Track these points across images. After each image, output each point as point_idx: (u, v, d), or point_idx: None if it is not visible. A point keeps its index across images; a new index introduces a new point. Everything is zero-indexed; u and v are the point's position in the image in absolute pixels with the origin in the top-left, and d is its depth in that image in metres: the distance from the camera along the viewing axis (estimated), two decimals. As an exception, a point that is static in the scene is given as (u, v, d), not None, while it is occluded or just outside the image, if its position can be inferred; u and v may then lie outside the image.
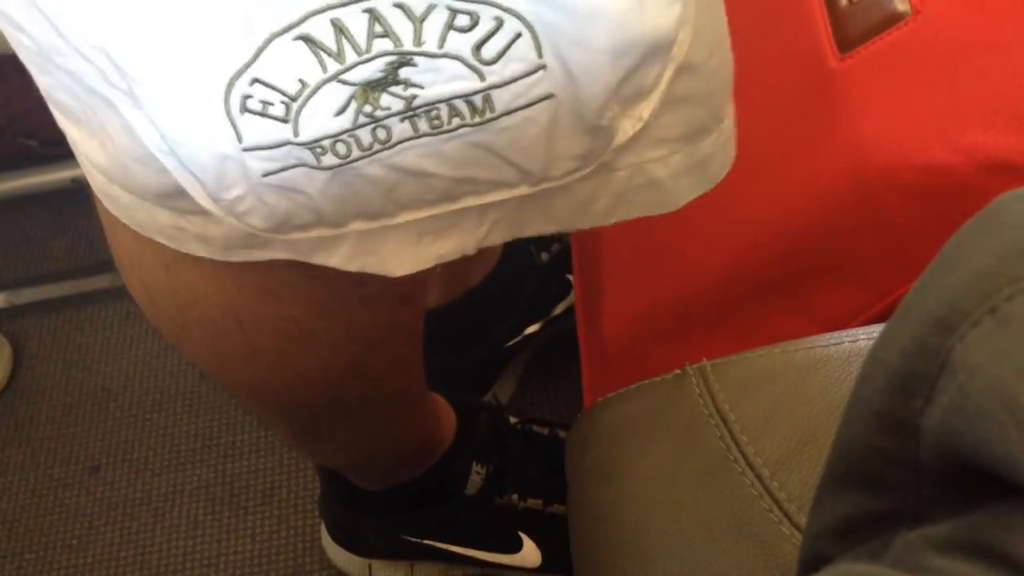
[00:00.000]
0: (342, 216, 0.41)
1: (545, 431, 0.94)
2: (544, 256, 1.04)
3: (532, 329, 1.03)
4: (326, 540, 0.97)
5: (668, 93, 0.39)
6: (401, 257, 0.44)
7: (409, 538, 0.90)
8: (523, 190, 0.42)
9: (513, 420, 0.94)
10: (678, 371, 0.57)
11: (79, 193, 1.28)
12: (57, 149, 1.30)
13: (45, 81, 0.42)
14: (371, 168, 0.39)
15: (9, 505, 1.07)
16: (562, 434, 0.94)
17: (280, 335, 0.56)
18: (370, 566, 0.95)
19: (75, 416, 1.13)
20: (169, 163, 0.39)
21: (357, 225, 0.42)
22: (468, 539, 0.91)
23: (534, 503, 0.90)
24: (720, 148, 0.45)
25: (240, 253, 0.46)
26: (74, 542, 1.04)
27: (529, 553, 0.91)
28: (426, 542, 0.90)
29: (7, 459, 1.10)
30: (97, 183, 0.47)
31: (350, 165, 0.38)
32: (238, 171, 0.38)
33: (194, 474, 1.07)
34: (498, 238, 0.45)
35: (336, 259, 0.44)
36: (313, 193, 0.39)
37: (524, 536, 0.91)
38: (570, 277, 1.06)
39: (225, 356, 0.58)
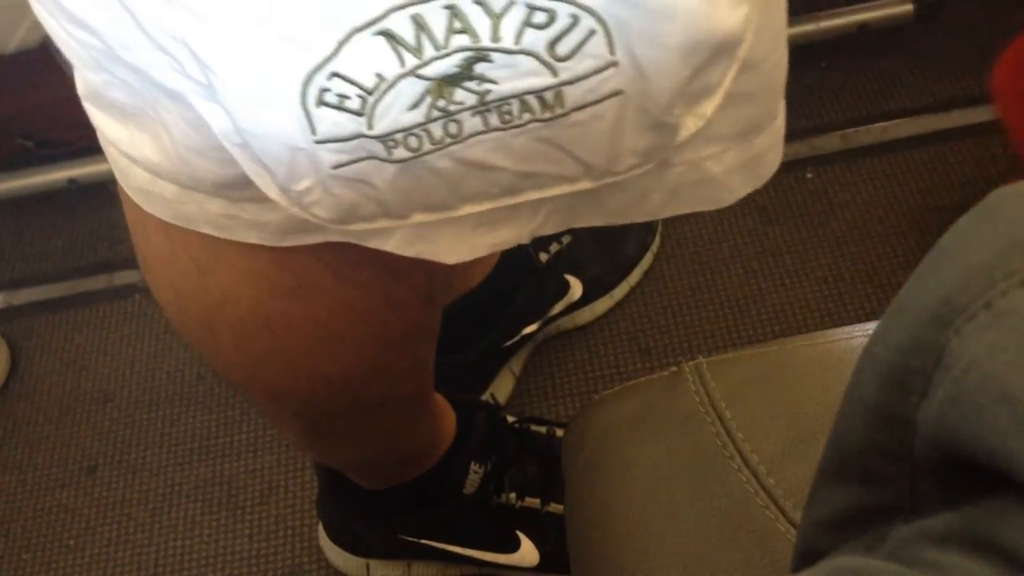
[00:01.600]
0: (406, 208, 0.42)
1: (543, 430, 0.94)
2: (543, 257, 1.04)
3: (530, 329, 1.03)
4: (323, 540, 0.97)
5: (729, 91, 0.40)
6: (456, 246, 0.45)
7: (407, 537, 0.90)
8: (584, 185, 0.42)
9: (511, 419, 0.94)
10: (674, 368, 0.57)
11: (76, 194, 1.28)
12: (54, 150, 1.30)
13: (98, 79, 0.43)
14: (440, 161, 0.39)
15: (6, 505, 1.07)
16: (559, 433, 0.95)
17: (308, 337, 0.56)
18: (368, 565, 0.95)
19: (72, 416, 1.13)
20: (239, 154, 0.40)
21: (419, 217, 0.43)
22: (466, 538, 0.91)
23: (532, 502, 0.90)
24: (771, 146, 0.46)
25: (293, 238, 0.47)
26: (71, 542, 1.04)
27: (527, 552, 0.92)
28: (423, 541, 0.90)
29: (4, 459, 1.10)
30: (137, 180, 0.48)
31: (420, 158, 0.39)
32: (309, 163, 0.39)
33: (191, 474, 1.07)
34: (551, 229, 0.46)
35: (391, 244, 0.45)
36: (380, 185, 0.40)
37: (522, 535, 0.91)
38: (568, 277, 1.06)
39: (251, 357, 0.58)
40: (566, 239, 1.07)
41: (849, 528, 0.31)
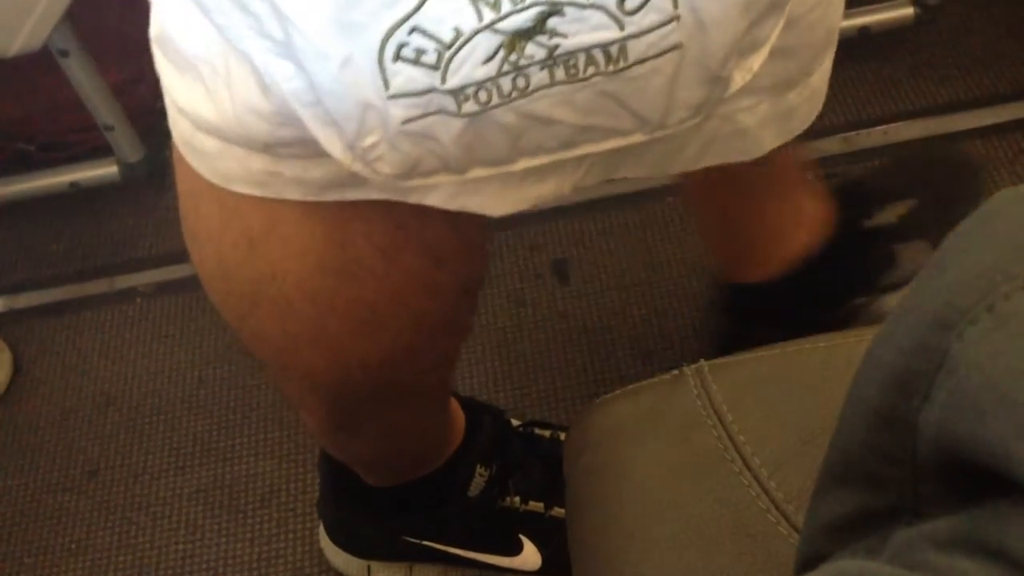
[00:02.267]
0: (468, 162, 0.43)
1: (547, 434, 0.94)
2: (897, 211, 0.96)
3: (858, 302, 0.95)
4: (324, 541, 0.97)
5: (773, 46, 0.42)
6: (502, 198, 0.47)
7: (409, 539, 0.90)
8: (637, 138, 0.43)
9: (515, 423, 0.94)
10: (676, 371, 0.57)
11: (77, 198, 1.28)
12: (55, 154, 1.30)
13: (172, 26, 0.44)
14: (506, 116, 0.41)
15: (8, 509, 1.07)
16: (563, 437, 0.94)
17: (350, 318, 0.57)
18: (369, 567, 0.95)
19: (74, 420, 1.13)
20: (307, 113, 0.41)
21: (477, 171, 0.44)
22: (469, 541, 0.91)
23: (535, 506, 0.90)
24: (805, 101, 0.48)
25: (334, 193, 0.48)
26: (73, 546, 1.04)
27: (529, 556, 0.91)
28: (426, 543, 0.90)
29: (6, 463, 1.10)
30: (183, 132, 0.49)
31: (487, 113, 0.40)
32: (378, 119, 0.40)
33: (193, 478, 1.07)
34: (591, 180, 0.48)
35: (435, 198, 0.46)
36: (445, 140, 0.41)
37: (524, 539, 0.91)
38: (895, 247, 0.96)
39: (291, 336, 0.59)
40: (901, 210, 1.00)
41: (851, 531, 0.31)
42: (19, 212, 1.31)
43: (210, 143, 0.47)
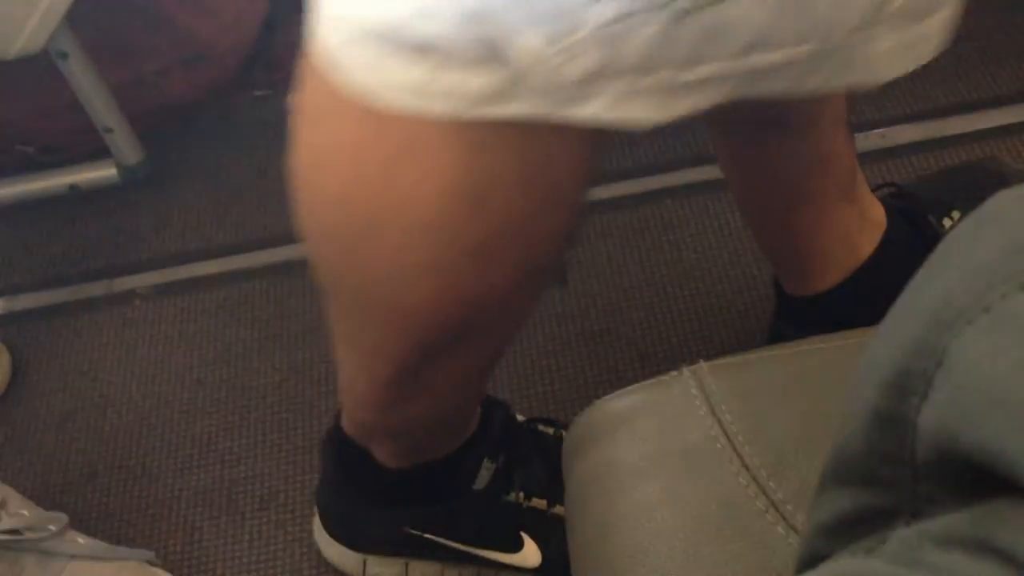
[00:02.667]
0: (657, 64, 0.43)
1: (551, 431, 0.94)
2: (947, 223, 0.99)
3: None
4: (319, 533, 0.96)
5: None
6: (658, 108, 0.46)
7: (412, 531, 0.90)
8: (804, 50, 0.44)
9: (520, 418, 0.94)
10: (674, 372, 0.57)
11: (77, 200, 1.29)
12: (54, 156, 1.30)
13: None
14: (706, 16, 0.41)
15: (6, 511, 1.07)
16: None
17: (467, 252, 0.56)
18: (364, 562, 0.94)
19: (72, 422, 1.13)
20: (505, 15, 0.41)
21: (653, 78, 0.44)
22: (470, 536, 0.91)
23: (538, 503, 0.90)
24: (937, 31, 0.49)
25: (488, 107, 0.47)
26: (71, 548, 1.04)
27: (530, 553, 0.91)
28: (427, 536, 0.90)
29: (4, 465, 1.10)
30: (336, 42, 0.48)
31: (689, 15, 0.40)
32: (577, 20, 0.40)
33: (191, 480, 1.07)
34: (732, 95, 0.48)
35: (596, 106, 0.46)
36: (640, 41, 0.41)
37: (525, 536, 0.91)
38: None
39: (408, 268, 0.57)
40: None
41: (851, 531, 0.31)
42: (18, 214, 1.31)
43: (367, 52, 0.47)
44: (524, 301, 0.66)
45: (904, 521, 0.29)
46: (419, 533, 0.90)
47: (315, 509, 0.97)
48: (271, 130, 1.28)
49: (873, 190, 0.92)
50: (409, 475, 0.85)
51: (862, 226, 0.87)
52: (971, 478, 0.27)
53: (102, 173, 1.28)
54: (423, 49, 0.45)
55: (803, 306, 0.92)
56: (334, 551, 0.95)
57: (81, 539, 0.94)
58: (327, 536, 0.95)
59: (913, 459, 0.29)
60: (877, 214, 0.89)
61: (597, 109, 0.46)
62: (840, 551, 0.31)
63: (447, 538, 0.90)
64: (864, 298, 0.88)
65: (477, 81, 0.46)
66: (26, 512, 0.92)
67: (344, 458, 0.86)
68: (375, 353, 0.68)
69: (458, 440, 0.85)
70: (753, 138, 0.82)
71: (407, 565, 0.94)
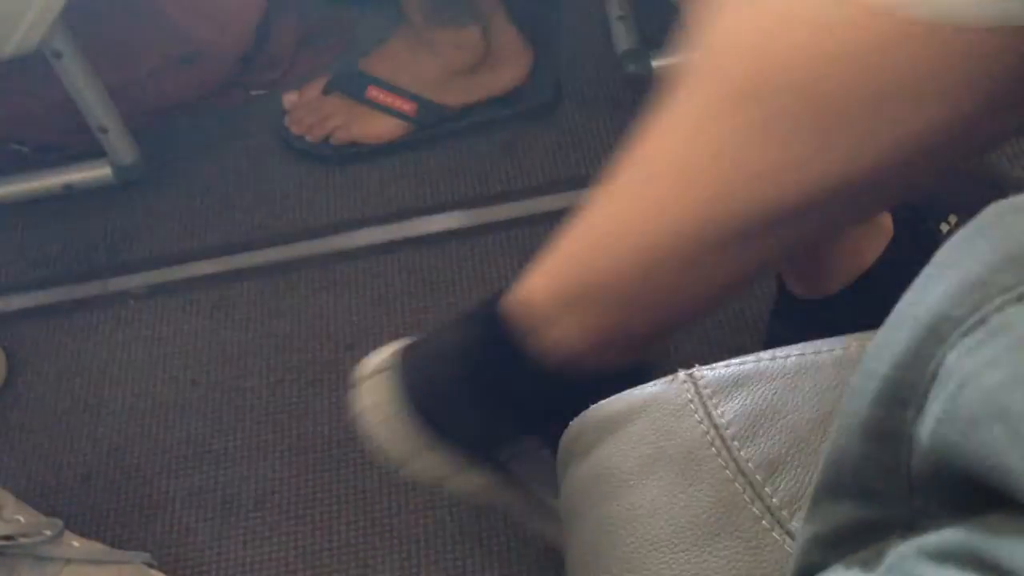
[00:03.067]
0: None
1: None
2: (944, 228, 0.98)
3: None
4: (380, 407, 0.80)
5: None
6: None
7: (510, 439, 0.80)
8: None
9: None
10: (669, 376, 0.57)
11: (71, 200, 1.28)
12: (48, 155, 1.30)
13: None
14: None
15: (0, 512, 1.07)
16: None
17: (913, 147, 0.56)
18: (423, 451, 0.79)
19: (66, 423, 1.13)
20: None
21: None
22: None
23: None
24: None
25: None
26: (65, 549, 1.04)
27: None
28: (513, 462, 0.80)
29: (-2, 466, 1.10)
30: None
31: None
32: None
33: (186, 481, 1.07)
34: None
35: None
36: None
37: None
38: None
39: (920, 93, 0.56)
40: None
41: (846, 543, 0.31)
42: (12, 214, 1.31)
43: None
44: (873, 203, 0.67)
45: (899, 534, 0.29)
46: (511, 448, 0.79)
47: (386, 375, 0.80)
48: (267, 130, 1.28)
49: None
50: (561, 376, 0.74)
51: (871, 232, 0.87)
52: (966, 491, 0.27)
53: (97, 173, 1.27)
54: None
55: (804, 308, 0.91)
56: (396, 427, 0.80)
57: (77, 542, 0.93)
58: (399, 410, 0.80)
59: (908, 472, 0.29)
60: (885, 220, 0.89)
61: None
62: (835, 563, 0.31)
63: (537, 468, 0.80)
64: (866, 305, 0.88)
65: None
66: (21, 518, 0.92)
67: (491, 337, 0.75)
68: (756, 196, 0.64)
69: (646, 354, 0.77)
70: None
71: (460, 472, 0.81)
